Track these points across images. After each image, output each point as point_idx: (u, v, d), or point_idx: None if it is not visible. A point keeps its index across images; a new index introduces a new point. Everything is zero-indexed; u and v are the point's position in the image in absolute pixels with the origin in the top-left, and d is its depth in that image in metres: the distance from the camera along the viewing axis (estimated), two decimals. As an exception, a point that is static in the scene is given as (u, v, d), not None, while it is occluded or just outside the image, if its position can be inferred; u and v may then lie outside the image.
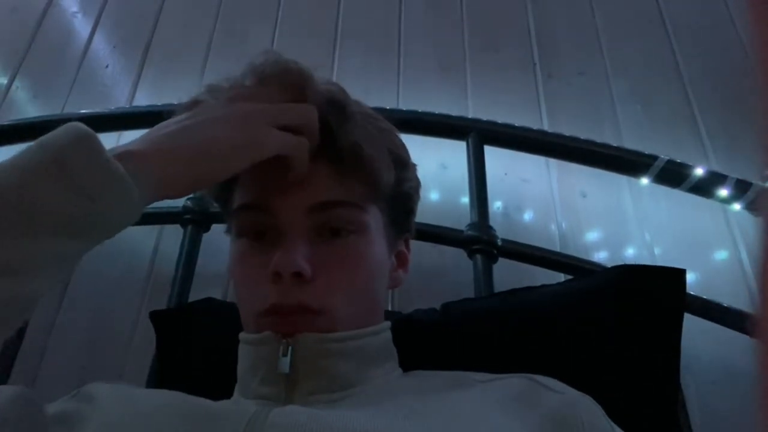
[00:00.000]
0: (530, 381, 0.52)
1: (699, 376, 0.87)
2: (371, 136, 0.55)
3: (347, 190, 0.54)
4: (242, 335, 0.56)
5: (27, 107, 1.33)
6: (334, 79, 1.27)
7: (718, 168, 0.97)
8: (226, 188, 0.58)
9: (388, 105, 1.16)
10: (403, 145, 0.62)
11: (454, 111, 1.06)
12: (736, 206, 0.90)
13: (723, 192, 0.88)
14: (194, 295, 0.91)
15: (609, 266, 0.79)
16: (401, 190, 0.60)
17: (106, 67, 1.36)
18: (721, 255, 1.01)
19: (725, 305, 0.83)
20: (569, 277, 0.90)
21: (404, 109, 1.14)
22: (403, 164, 0.60)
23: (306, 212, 0.53)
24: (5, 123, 1.12)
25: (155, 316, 0.81)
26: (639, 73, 1.23)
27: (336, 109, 0.54)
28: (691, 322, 0.73)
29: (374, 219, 0.56)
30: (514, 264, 0.91)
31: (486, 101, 1.21)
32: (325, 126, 0.54)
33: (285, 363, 0.50)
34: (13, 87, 1.36)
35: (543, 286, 0.75)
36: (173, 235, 1.02)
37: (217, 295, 0.96)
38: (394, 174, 0.57)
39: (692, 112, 1.17)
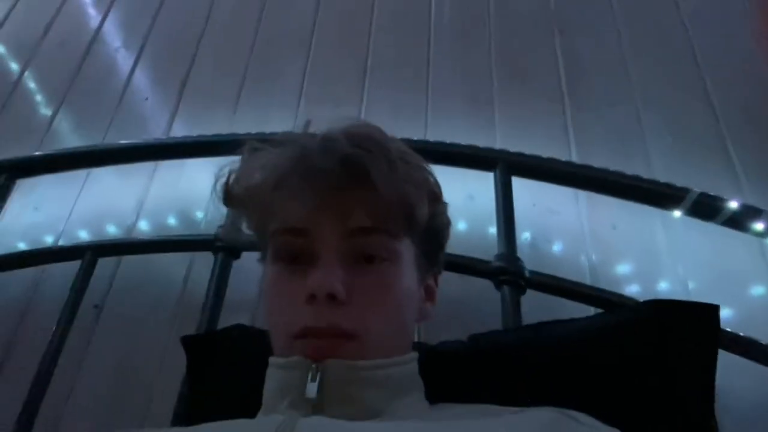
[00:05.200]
0: (560, 414, 0.51)
1: (735, 415, 0.84)
2: (410, 175, 0.57)
3: (383, 219, 0.55)
4: (272, 359, 0.57)
5: (69, 137, 1.38)
6: (363, 110, 1.29)
7: (753, 201, 0.95)
8: (267, 215, 0.59)
9: (416, 136, 1.17)
10: (436, 182, 0.63)
11: (481, 142, 1.06)
12: (773, 240, 0.88)
13: (759, 226, 0.86)
14: (222, 322, 0.92)
15: (641, 300, 0.78)
16: (433, 223, 0.61)
17: (146, 99, 1.42)
18: (758, 290, 0.98)
19: (762, 342, 0.81)
20: (599, 310, 0.88)
21: (432, 140, 1.15)
22: (436, 199, 0.62)
23: (342, 237, 0.54)
24: (48, 153, 1.17)
25: (186, 341, 0.82)
26: (670, 104, 1.23)
27: (378, 152, 0.55)
28: (726, 359, 0.71)
29: (407, 249, 0.57)
30: (543, 296, 0.90)
31: (514, 132, 1.21)
32: (365, 166, 0.54)
33: (313, 388, 0.50)
34: (57, 118, 1.42)
35: (572, 319, 0.74)
36: (204, 263, 1.04)
37: (245, 321, 0.97)
38: (428, 208, 0.59)
39: (724, 144, 1.15)
